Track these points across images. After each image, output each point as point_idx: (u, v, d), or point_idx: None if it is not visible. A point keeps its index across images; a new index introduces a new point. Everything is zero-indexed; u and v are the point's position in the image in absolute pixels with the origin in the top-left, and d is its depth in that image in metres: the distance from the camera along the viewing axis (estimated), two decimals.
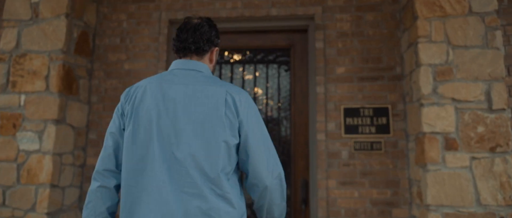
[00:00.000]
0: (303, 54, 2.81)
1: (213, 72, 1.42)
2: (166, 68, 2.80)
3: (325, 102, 2.62)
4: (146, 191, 1.13)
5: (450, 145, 2.15)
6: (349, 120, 2.59)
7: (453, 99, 2.20)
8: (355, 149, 2.55)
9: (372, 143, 2.55)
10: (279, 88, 2.82)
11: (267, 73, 2.85)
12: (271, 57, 2.87)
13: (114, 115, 1.28)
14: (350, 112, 2.59)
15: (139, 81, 2.80)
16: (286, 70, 2.84)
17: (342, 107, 2.61)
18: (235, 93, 1.22)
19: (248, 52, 2.90)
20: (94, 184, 1.25)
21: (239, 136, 1.21)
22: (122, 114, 1.25)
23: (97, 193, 1.23)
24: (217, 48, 1.38)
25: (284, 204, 1.32)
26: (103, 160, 1.25)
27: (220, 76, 2.89)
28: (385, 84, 2.62)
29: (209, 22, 1.36)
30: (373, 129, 2.56)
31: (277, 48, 2.87)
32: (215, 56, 1.38)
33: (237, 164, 1.27)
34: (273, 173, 1.24)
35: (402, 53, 2.62)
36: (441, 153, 2.15)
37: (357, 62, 2.67)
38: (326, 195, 2.52)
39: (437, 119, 2.19)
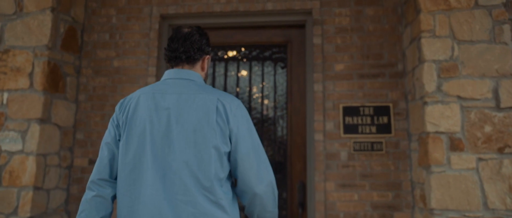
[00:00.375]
0: (300, 51, 2.69)
1: (206, 80, 1.43)
2: (157, 65, 2.68)
3: (323, 100, 2.50)
4: (139, 200, 1.15)
5: (455, 145, 2.03)
6: (348, 119, 2.47)
7: (459, 97, 2.07)
8: (355, 150, 2.43)
9: (372, 143, 2.43)
10: (275, 87, 2.70)
11: (262, 70, 2.73)
12: (267, 54, 2.75)
13: (109, 125, 1.30)
14: (350, 111, 2.47)
15: (129, 78, 2.68)
16: (282, 68, 2.72)
17: (341, 106, 2.48)
18: (226, 101, 1.24)
19: (243, 49, 2.78)
20: (89, 194, 1.25)
21: (230, 143, 1.22)
22: (117, 125, 1.28)
23: (92, 202, 1.23)
24: (208, 56, 1.40)
25: (276, 211, 1.31)
26: (98, 170, 1.26)
27: (213, 73, 2.77)
28: (386, 81, 2.50)
29: (200, 31, 1.37)
30: (373, 129, 2.44)
31: (273, 44, 2.75)
32: (206, 64, 1.39)
33: (230, 170, 1.28)
34: (263, 181, 1.24)
35: (404, 49, 2.50)
36: (445, 154, 2.03)
37: (356, 59, 2.54)
38: (324, 198, 2.39)
39: (441, 117, 2.06)
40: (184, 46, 1.31)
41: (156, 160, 1.16)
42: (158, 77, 2.69)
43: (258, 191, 1.22)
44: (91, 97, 2.71)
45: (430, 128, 2.06)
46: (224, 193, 1.18)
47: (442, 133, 2.05)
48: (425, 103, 2.10)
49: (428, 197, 2.03)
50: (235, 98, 1.29)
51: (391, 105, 2.45)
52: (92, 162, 2.61)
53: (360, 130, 2.45)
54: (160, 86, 1.26)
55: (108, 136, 1.29)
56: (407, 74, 2.43)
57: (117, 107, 1.30)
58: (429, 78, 2.11)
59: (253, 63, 2.75)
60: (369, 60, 2.53)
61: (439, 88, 2.10)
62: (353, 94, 2.50)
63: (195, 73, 1.32)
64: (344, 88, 2.51)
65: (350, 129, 2.46)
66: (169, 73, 1.32)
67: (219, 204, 1.15)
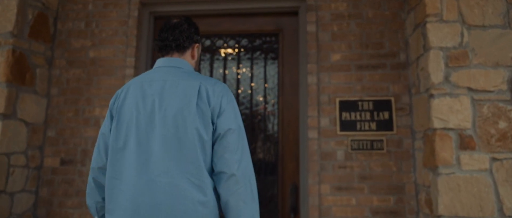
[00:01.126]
0: (293, 40, 2.45)
1: (196, 68, 1.48)
2: (136, 56, 2.45)
3: (317, 94, 2.27)
4: (123, 182, 1.20)
5: (466, 143, 1.79)
6: (345, 115, 2.23)
7: (469, 89, 1.84)
8: (353, 149, 2.19)
9: (372, 141, 2.19)
10: (265, 79, 2.46)
11: (252, 61, 2.49)
12: (257, 44, 2.51)
13: (106, 117, 1.36)
14: (347, 106, 2.23)
15: (105, 70, 2.46)
16: (273, 58, 2.48)
17: (337, 100, 2.25)
18: (209, 85, 1.26)
19: (230, 38, 2.54)
20: (90, 177, 1.36)
21: (213, 125, 1.23)
22: (111, 115, 1.34)
23: (93, 185, 1.35)
24: (198, 44, 1.44)
25: (255, 207, 1.23)
26: (96, 159, 1.34)
27: (198, 65, 2.52)
28: (387, 73, 2.26)
29: (188, 20, 1.42)
30: (373, 125, 2.21)
31: (264, 33, 2.51)
32: (196, 52, 1.44)
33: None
34: (241, 163, 1.22)
35: (406, 37, 2.27)
36: (455, 153, 1.79)
37: (354, 48, 2.31)
38: (319, 202, 2.16)
39: (450, 112, 1.83)
40: (173, 35, 1.36)
41: (140, 144, 1.21)
42: (136, 68, 2.45)
43: (236, 172, 1.19)
44: (64, 91, 2.47)
45: (437, 124, 1.83)
46: (206, 177, 1.19)
47: (450, 129, 1.82)
48: (431, 96, 1.86)
49: (435, 202, 1.79)
50: (220, 83, 1.30)
51: (392, 99, 2.22)
52: (64, 162, 2.38)
53: (358, 126, 2.21)
54: (149, 75, 1.31)
55: (103, 126, 1.35)
56: (411, 65, 2.19)
57: (112, 99, 1.36)
58: (435, 68, 1.87)
59: (242, 53, 2.51)
60: (369, 50, 2.30)
61: (447, 79, 1.86)
62: (350, 87, 2.27)
63: (184, 61, 1.36)
64: (341, 80, 2.28)
65: (347, 125, 2.22)
66: (159, 62, 1.37)
67: (200, 187, 1.17)
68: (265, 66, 2.47)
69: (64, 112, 2.45)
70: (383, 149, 2.18)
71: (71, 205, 2.32)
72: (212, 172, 1.25)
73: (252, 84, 2.46)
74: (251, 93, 2.45)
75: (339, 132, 2.22)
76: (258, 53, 2.50)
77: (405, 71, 2.25)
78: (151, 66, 2.52)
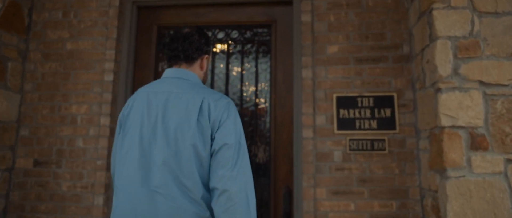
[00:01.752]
0: (286, 32, 2.26)
1: (205, 78, 1.46)
2: (116, 49, 2.26)
3: (313, 89, 2.08)
4: (126, 192, 1.21)
5: (477, 143, 1.61)
6: (343, 112, 2.04)
7: (481, 83, 1.65)
8: (351, 149, 2.00)
9: (372, 141, 2.00)
10: (257, 74, 2.27)
11: (242, 55, 2.30)
12: (247, 36, 2.32)
13: (117, 125, 1.38)
14: (345, 102, 2.05)
15: (84, 64, 2.27)
16: (266, 52, 2.29)
17: (334, 96, 2.06)
18: (212, 100, 1.24)
19: (219, 30, 2.36)
20: (112, 177, 1.41)
21: (212, 140, 1.22)
22: (120, 125, 1.35)
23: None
24: (207, 55, 1.43)
25: None
26: (111, 166, 1.40)
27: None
28: (389, 67, 2.07)
29: (199, 31, 1.41)
30: (374, 124, 2.02)
31: (256, 24, 2.32)
32: (206, 64, 1.43)
33: None
34: (237, 180, 1.17)
35: (410, 27, 2.08)
36: (465, 154, 1.60)
37: (353, 40, 2.12)
38: (314, 208, 1.97)
39: (459, 108, 1.64)
40: (183, 45, 1.35)
41: (143, 155, 1.22)
42: (117, 62, 2.26)
43: (229, 188, 1.14)
44: (39, 87, 2.28)
45: (445, 122, 1.64)
46: (204, 191, 1.19)
47: (460, 127, 1.63)
48: (439, 90, 1.67)
49: (443, 209, 1.60)
50: (225, 97, 1.28)
51: (395, 95, 2.03)
52: (38, 163, 2.19)
53: (357, 125, 2.03)
54: (156, 85, 1.31)
55: (116, 134, 1.37)
56: (415, 57, 2.00)
57: (123, 108, 1.37)
58: (443, 59, 1.68)
59: (231, 46, 2.32)
60: (369, 42, 2.11)
61: (456, 71, 1.67)
62: (349, 82, 2.08)
63: (191, 73, 1.35)
64: (339, 74, 2.09)
65: (345, 123, 2.03)
66: (167, 72, 1.37)
67: (198, 202, 1.17)
68: (256, 60, 2.28)
69: (38, 109, 2.26)
70: (384, 149, 1.99)
71: (45, 209, 2.13)
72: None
73: (243, 79, 2.27)
74: (241, 89, 2.26)
75: (336, 131, 2.03)
76: (249, 46, 2.31)
77: (408, 64, 2.06)
78: (134, 60, 2.34)
